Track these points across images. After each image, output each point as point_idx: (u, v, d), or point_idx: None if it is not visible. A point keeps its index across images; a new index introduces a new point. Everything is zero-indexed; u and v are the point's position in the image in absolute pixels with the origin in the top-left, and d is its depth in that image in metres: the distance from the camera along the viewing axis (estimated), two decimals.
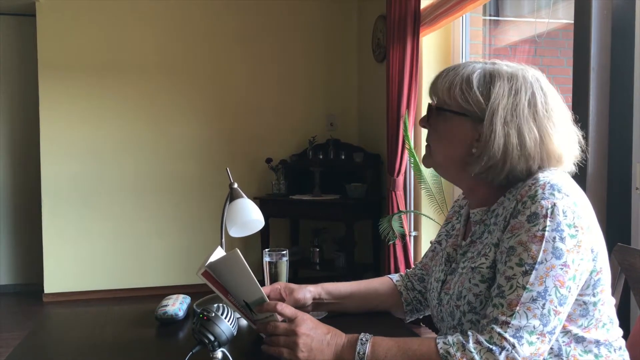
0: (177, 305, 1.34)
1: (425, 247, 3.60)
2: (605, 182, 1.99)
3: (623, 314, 1.27)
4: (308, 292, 1.28)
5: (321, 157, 4.28)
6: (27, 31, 4.45)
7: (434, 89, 1.12)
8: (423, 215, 3.48)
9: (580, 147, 1.09)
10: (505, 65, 1.09)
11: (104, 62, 4.31)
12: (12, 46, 4.56)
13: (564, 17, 3.05)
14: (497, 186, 1.09)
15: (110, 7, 4.29)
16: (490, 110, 1.03)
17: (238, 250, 1.05)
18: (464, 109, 1.06)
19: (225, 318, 1.04)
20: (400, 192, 3.58)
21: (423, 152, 1.19)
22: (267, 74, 4.59)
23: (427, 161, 1.16)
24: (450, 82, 1.08)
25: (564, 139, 1.06)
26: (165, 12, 4.39)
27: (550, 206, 0.97)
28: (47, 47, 4.20)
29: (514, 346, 0.94)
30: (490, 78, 1.06)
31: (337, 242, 4.37)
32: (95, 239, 4.35)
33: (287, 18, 4.60)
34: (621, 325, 1.11)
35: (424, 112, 1.17)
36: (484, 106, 1.04)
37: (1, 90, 4.57)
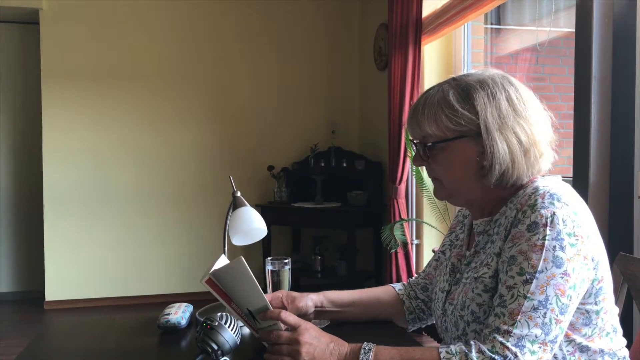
0: (179, 313, 1.34)
1: (427, 255, 3.59)
2: (607, 191, 1.99)
3: (626, 323, 1.27)
4: (310, 300, 1.28)
5: (323, 164, 4.28)
6: (30, 39, 4.48)
7: (417, 128, 1.11)
8: (425, 224, 3.47)
9: (553, 128, 1.11)
10: (468, 76, 1.10)
11: (106, 70, 4.33)
12: (16, 54, 4.58)
13: (566, 25, 3.06)
14: (505, 192, 1.09)
15: (113, 15, 4.32)
16: (483, 123, 1.04)
17: (243, 259, 1.05)
18: (458, 132, 1.06)
19: (229, 327, 1.04)
20: (402, 200, 3.58)
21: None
22: (270, 82, 4.60)
23: (442, 193, 1.14)
24: (432, 114, 1.08)
25: (543, 124, 1.08)
26: (167, 20, 4.42)
27: (550, 215, 0.98)
28: (50, 54, 4.22)
29: (516, 355, 0.94)
30: (465, 93, 1.07)
31: (339, 250, 4.37)
32: (97, 246, 4.35)
33: (288, 26, 4.62)
34: (624, 335, 1.11)
35: None
36: (477, 121, 1.05)
37: (4, 97, 4.59)
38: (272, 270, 1.39)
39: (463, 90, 1.07)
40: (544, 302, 0.95)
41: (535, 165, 1.07)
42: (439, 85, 1.11)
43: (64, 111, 4.27)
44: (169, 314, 1.33)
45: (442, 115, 1.07)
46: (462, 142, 1.07)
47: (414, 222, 3.64)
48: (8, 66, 4.57)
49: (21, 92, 4.60)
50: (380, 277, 4.12)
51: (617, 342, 1.08)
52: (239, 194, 1.49)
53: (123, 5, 4.33)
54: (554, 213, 0.98)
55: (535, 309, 0.95)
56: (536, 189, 1.04)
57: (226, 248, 1.50)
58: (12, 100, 4.60)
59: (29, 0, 4.14)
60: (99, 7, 4.28)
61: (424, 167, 1.15)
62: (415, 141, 1.13)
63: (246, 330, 1.24)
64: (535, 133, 1.06)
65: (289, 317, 1.07)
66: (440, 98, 1.08)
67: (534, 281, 0.96)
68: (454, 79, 1.11)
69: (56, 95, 4.24)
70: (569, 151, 2.11)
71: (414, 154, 1.17)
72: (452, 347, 0.98)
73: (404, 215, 3.56)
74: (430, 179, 1.17)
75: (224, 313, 1.09)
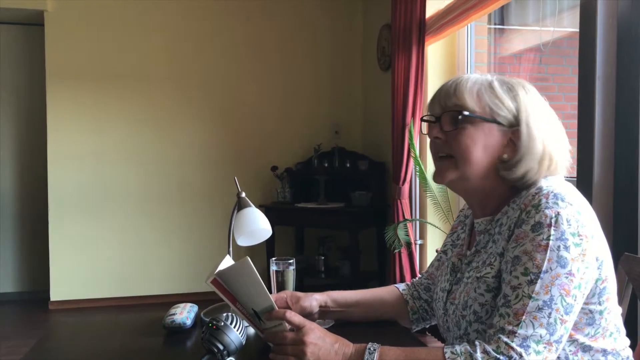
0: (184, 313, 1.34)
1: (430, 255, 3.59)
2: (611, 191, 1.99)
3: (631, 323, 1.27)
4: (314, 300, 1.28)
5: (326, 165, 4.29)
6: (35, 40, 4.49)
7: (454, 97, 1.07)
8: (428, 224, 3.47)
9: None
10: (504, 77, 1.12)
11: (111, 71, 4.34)
12: (21, 55, 4.60)
13: (569, 25, 3.06)
14: (510, 192, 1.09)
15: (117, 17, 4.33)
16: (525, 116, 1.06)
17: (249, 259, 1.05)
18: (495, 115, 1.06)
19: (235, 327, 1.05)
20: (405, 200, 3.58)
21: (429, 163, 1.17)
22: (273, 82, 4.61)
23: (449, 174, 1.09)
24: (476, 89, 1.07)
25: (563, 135, 1.11)
26: (172, 21, 4.43)
27: (554, 215, 0.98)
28: (55, 56, 4.23)
29: (521, 355, 0.94)
30: (508, 86, 1.08)
31: (342, 250, 4.37)
32: (101, 247, 4.37)
33: (292, 26, 4.63)
34: (629, 335, 1.11)
35: None
36: (515, 112, 1.06)
37: (9, 99, 4.61)
38: (276, 271, 1.40)
39: (505, 83, 1.09)
40: (548, 302, 0.96)
41: (554, 173, 1.08)
42: (479, 74, 1.12)
43: (68, 112, 4.28)
44: (174, 314, 1.34)
45: (486, 94, 1.07)
46: (493, 127, 1.07)
47: (418, 223, 3.64)
48: (13, 68, 4.59)
49: (26, 93, 4.62)
50: (384, 277, 4.12)
51: (620, 342, 1.08)
52: (243, 194, 1.49)
53: (128, 6, 4.34)
54: (558, 213, 0.98)
55: (540, 309, 0.95)
56: (540, 189, 1.04)
57: (231, 248, 1.51)
58: (17, 101, 4.62)
59: (33, 2, 4.16)
60: (103, 8, 4.30)
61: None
62: (437, 115, 1.09)
63: (251, 331, 1.25)
64: (561, 142, 1.09)
65: (294, 317, 1.08)
66: (484, 80, 1.09)
67: (539, 281, 0.96)
68: (492, 74, 1.13)
69: (61, 97, 4.26)
70: (573, 151, 2.11)
71: (427, 130, 1.14)
72: (457, 348, 0.98)
73: (407, 216, 3.56)
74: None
75: (230, 313, 1.09)
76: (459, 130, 1.07)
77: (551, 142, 1.07)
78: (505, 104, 1.06)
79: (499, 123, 1.06)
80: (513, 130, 1.06)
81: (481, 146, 1.06)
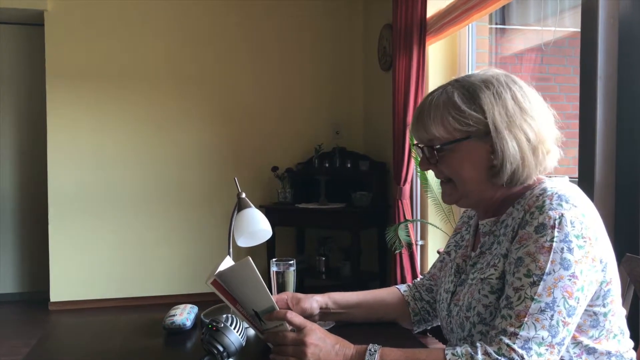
0: (184, 315, 1.34)
1: (432, 256, 3.59)
2: (613, 191, 1.98)
3: (632, 325, 1.26)
4: (315, 301, 1.28)
5: (327, 165, 4.28)
6: (35, 40, 4.49)
7: (423, 131, 1.09)
8: (429, 224, 3.47)
9: (557, 125, 1.10)
10: (471, 77, 1.10)
11: (111, 71, 4.34)
12: (21, 55, 4.59)
13: (571, 25, 3.06)
14: (513, 193, 1.09)
15: (117, 16, 4.33)
16: (492, 122, 1.04)
17: (250, 259, 1.05)
18: (466, 132, 1.05)
19: (234, 328, 1.04)
20: (406, 201, 3.58)
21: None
22: (274, 82, 4.61)
23: (453, 196, 1.12)
24: (439, 116, 1.07)
25: (548, 121, 1.08)
26: (172, 20, 4.42)
27: (558, 217, 0.98)
28: (55, 56, 4.23)
29: (522, 357, 0.94)
30: (470, 93, 1.06)
31: (343, 250, 4.37)
32: (101, 247, 4.36)
33: (293, 26, 4.62)
34: (631, 337, 1.11)
35: None
36: (484, 121, 1.04)
37: (9, 99, 4.61)
38: (277, 272, 1.39)
39: (468, 91, 1.06)
40: (551, 304, 0.95)
41: (543, 163, 1.07)
42: (442, 87, 1.10)
43: (69, 112, 4.28)
44: (174, 315, 1.33)
45: (449, 116, 1.06)
46: (470, 143, 1.06)
47: (419, 223, 3.64)
48: (13, 68, 4.59)
49: (26, 93, 4.61)
50: (385, 278, 4.12)
51: (624, 344, 1.07)
52: (244, 195, 1.49)
53: (127, 6, 4.34)
54: (562, 215, 0.98)
55: (542, 311, 0.95)
56: (544, 190, 1.03)
57: (231, 249, 1.50)
58: (17, 102, 4.62)
59: (33, 2, 4.16)
60: (103, 8, 4.29)
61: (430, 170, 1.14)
62: (420, 145, 1.12)
63: (251, 332, 1.24)
64: (542, 130, 1.06)
65: (295, 317, 1.07)
66: (446, 100, 1.07)
67: (542, 283, 0.96)
68: (456, 80, 1.11)
69: (61, 97, 4.26)
70: (574, 151, 2.11)
71: (419, 158, 1.16)
72: (458, 349, 0.98)
73: (408, 216, 3.56)
74: (434, 184, 1.17)
75: (230, 314, 1.09)
76: (441, 159, 1.09)
77: (531, 133, 1.04)
78: (472, 117, 1.05)
79: (474, 136, 1.05)
80: (490, 136, 1.05)
81: (467, 165, 1.07)
